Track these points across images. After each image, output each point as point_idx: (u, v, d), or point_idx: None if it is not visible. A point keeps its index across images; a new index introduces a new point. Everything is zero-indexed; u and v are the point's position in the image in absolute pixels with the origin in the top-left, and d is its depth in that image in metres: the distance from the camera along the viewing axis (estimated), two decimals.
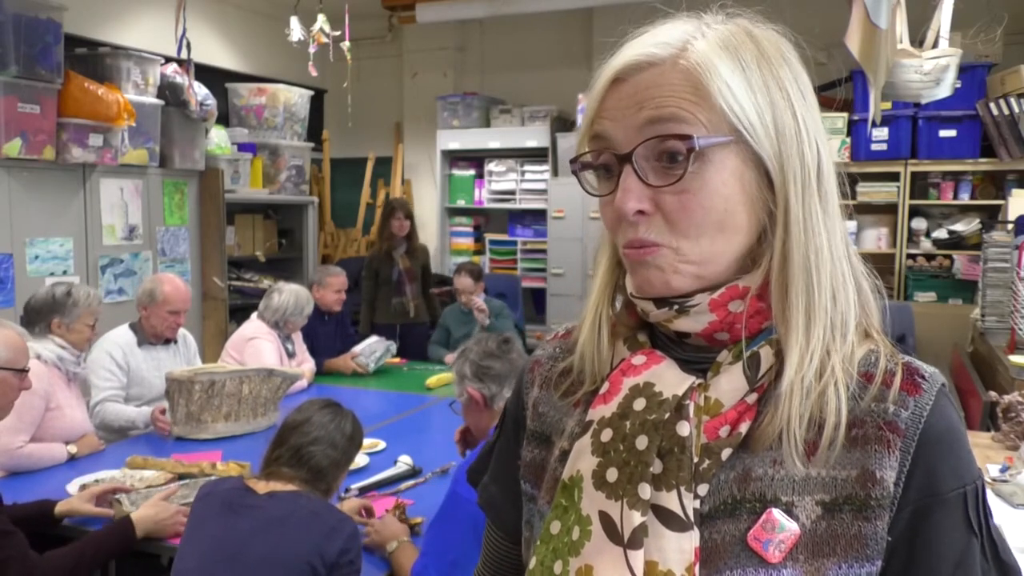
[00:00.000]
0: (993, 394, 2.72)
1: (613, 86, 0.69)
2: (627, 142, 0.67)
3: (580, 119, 5.72)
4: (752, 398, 0.67)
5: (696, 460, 0.67)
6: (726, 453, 0.67)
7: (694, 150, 0.64)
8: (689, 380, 0.69)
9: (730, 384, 0.68)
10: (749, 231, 0.68)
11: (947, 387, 0.69)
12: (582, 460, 0.71)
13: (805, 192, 0.67)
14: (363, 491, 2.49)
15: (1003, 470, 2.24)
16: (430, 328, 4.99)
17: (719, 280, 0.69)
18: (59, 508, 2.23)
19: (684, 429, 0.67)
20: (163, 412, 3.07)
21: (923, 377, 0.68)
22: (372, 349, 4.36)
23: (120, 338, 3.23)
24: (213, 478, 2.37)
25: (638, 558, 0.66)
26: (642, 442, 0.68)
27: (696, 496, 0.67)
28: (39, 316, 2.86)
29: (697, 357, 0.71)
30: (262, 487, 1.90)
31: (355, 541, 1.87)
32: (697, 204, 0.66)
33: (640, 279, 0.70)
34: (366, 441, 2.99)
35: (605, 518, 0.68)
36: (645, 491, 0.66)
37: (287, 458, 1.94)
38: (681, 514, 0.66)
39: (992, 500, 2.08)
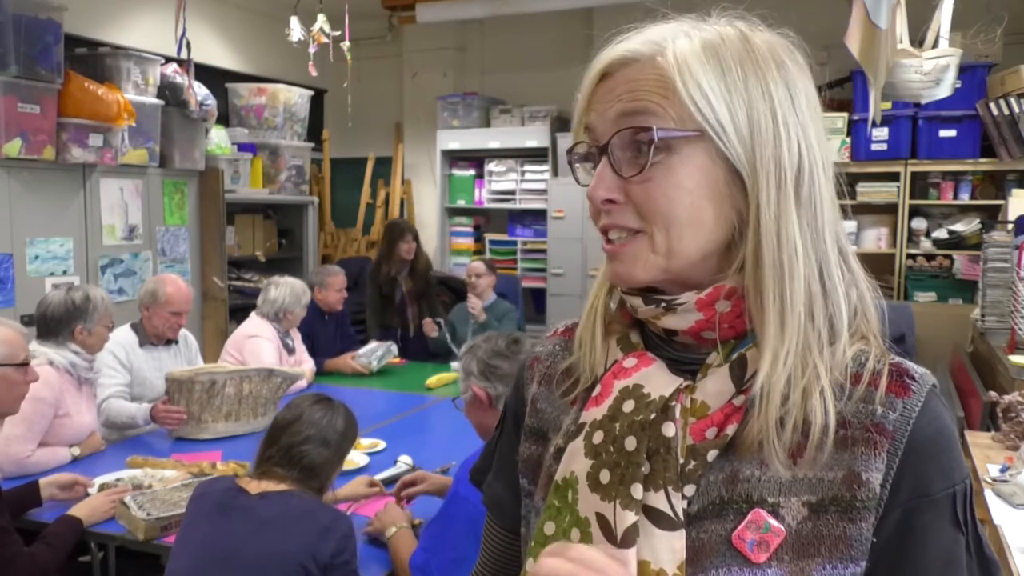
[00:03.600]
0: (993, 394, 2.72)
1: (601, 81, 0.71)
2: (604, 133, 0.70)
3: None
4: (739, 400, 0.68)
5: (682, 461, 0.67)
6: (712, 455, 0.68)
7: (653, 141, 0.66)
8: (677, 382, 0.70)
9: (716, 386, 0.68)
10: (717, 228, 0.69)
11: (938, 388, 0.69)
12: (576, 462, 0.72)
13: (780, 195, 0.67)
14: None
15: (1003, 470, 2.24)
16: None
17: (686, 277, 0.70)
18: (84, 516, 2.25)
19: (669, 430, 0.68)
20: (165, 402, 3.03)
21: (912, 378, 0.68)
22: (373, 350, 4.37)
23: (122, 338, 3.23)
24: (208, 478, 2.36)
25: (630, 556, 0.67)
26: (631, 443, 0.69)
27: (683, 496, 0.67)
28: (60, 324, 2.81)
29: (687, 357, 0.73)
30: (254, 487, 1.88)
31: (349, 541, 1.85)
32: (660, 193, 0.67)
33: (611, 273, 0.73)
34: (366, 441, 3.01)
35: (601, 519, 0.69)
36: (637, 491, 0.67)
37: (279, 458, 1.91)
38: (670, 513, 0.67)
39: (992, 500, 2.09)
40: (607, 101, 0.70)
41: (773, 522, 0.66)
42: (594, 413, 0.73)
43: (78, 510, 2.23)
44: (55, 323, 2.81)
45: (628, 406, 0.70)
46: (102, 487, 2.44)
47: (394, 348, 4.44)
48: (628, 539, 0.67)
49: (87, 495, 2.38)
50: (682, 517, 0.67)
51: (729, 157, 0.67)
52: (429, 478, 2.31)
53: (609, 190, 0.69)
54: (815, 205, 0.69)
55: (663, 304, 0.70)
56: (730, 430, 0.67)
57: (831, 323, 0.68)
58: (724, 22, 0.71)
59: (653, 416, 0.68)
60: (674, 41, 0.69)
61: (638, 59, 0.69)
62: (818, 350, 0.67)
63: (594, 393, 0.74)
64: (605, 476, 0.69)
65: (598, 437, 0.71)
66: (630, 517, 0.67)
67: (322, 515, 1.85)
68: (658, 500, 0.67)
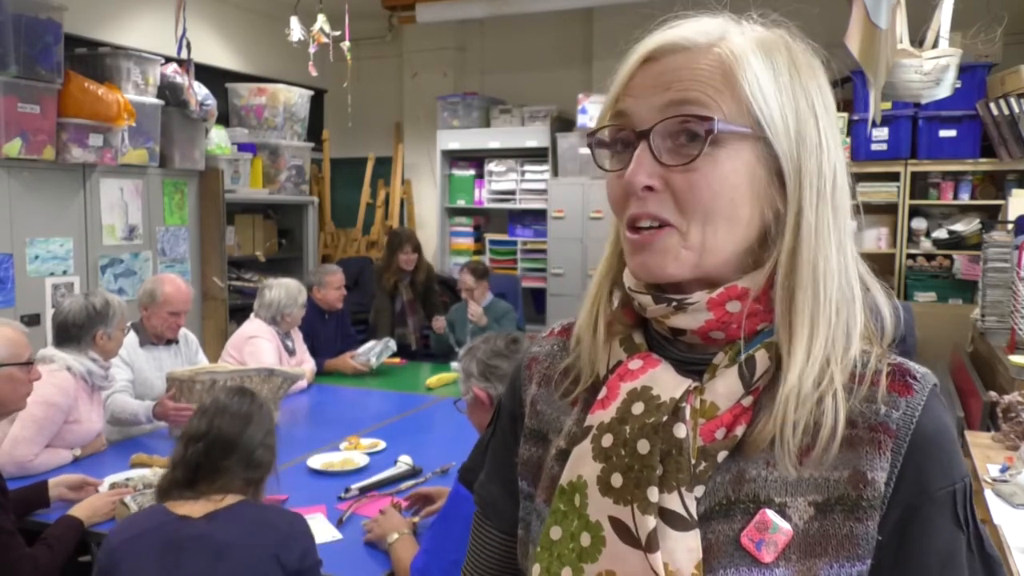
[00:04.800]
0: (993, 394, 2.72)
1: (643, 65, 0.70)
2: (648, 119, 0.68)
3: (580, 119, 5.74)
4: (748, 401, 0.68)
5: (693, 462, 0.67)
6: (722, 455, 0.68)
7: (712, 132, 0.65)
8: (686, 383, 0.70)
9: (726, 387, 0.68)
10: (750, 227, 0.69)
11: (939, 388, 0.70)
12: (583, 465, 0.71)
13: (820, 200, 0.68)
14: (363, 491, 2.49)
15: (1003, 470, 2.24)
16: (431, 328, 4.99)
17: (715, 274, 0.69)
18: (85, 518, 2.24)
19: (681, 431, 0.67)
20: (171, 397, 3.01)
21: (914, 378, 0.69)
22: (371, 348, 4.37)
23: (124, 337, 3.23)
24: (129, 514, 2.10)
25: (658, 560, 0.66)
26: (643, 446, 0.68)
27: (694, 497, 0.67)
28: (83, 330, 2.81)
29: (692, 357, 0.72)
30: (197, 510, 1.72)
31: (310, 538, 1.80)
32: (706, 185, 0.66)
33: (637, 263, 0.70)
34: (366, 441, 3.01)
35: (617, 523, 0.68)
36: (654, 494, 0.67)
37: (241, 468, 1.79)
38: (684, 513, 0.67)
39: (992, 500, 2.09)
40: (652, 86, 0.68)
41: (780, 522, 0.66)
42: (601, 416, 0.72)
43: (78, 510, 2.23)
44: (77, 329, 2.81)
45: (637, 408, 0.70)
46: (112, 486, 2.44)
47: (392, 344, 4.43)
48: (652, 543, 0.66)
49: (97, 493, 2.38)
50: (696, 517, 0.67)
51: (779, 158, 0.67)
52: (444, 494, 2.30)
53: (650, 176, 0.68)
54: (841, 215, 0.70)
55: (674, 303, 0.70)
56: (739, 431, 0.68)
57: (847, 328, 0.69)
58: (761, 25, 0.71)
59: (664, 418, 0.68)
60: (730, 34, 0.69)
61: (690, 48, 0.68)
62: (835, 354, 0.68)
63: (600, 396, 0.73)
64: (617, 480, 0.69)
65: (607, 440, 0.70)
66: (651, 521, 0.66)
67: (278, 521, 1.78)
68: (672, 501, 0.67)
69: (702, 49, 0.68)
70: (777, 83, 0.68)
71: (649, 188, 0.68)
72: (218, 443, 1.79)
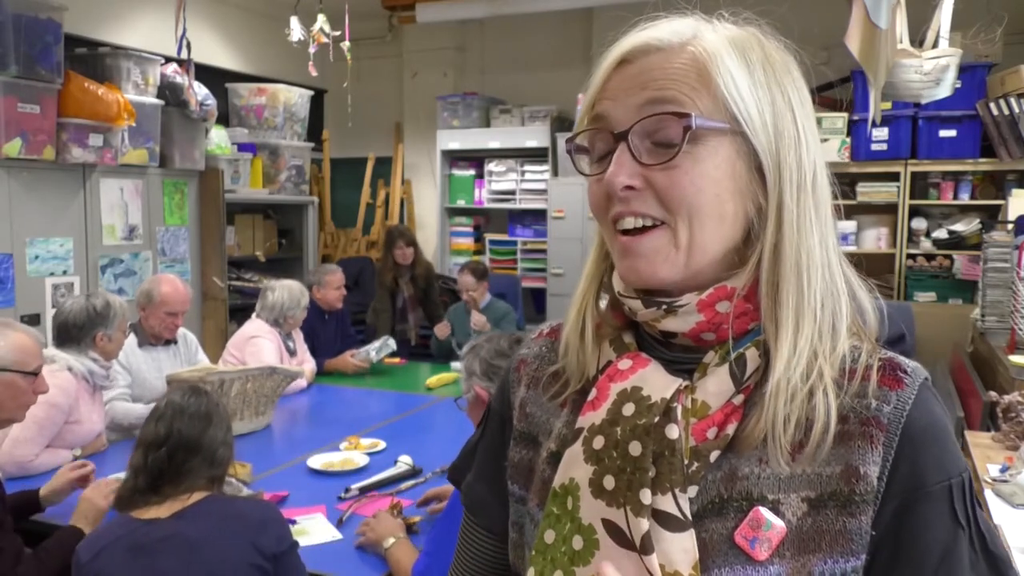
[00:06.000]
0: (993, 394, 2.72)
1: (618, 68, 0.70)
2: (625, 120, 0.68)
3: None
4: (739, 399, 0.68)
5: (686, 463, 0.67)
6: (714, 455, 0.67)
7: (690, 129, 0.65)
8: (676, 383, 0.69)
9: (716, 386, 0.68)
10: (735, 223, 0.69)
11: (930, 381, 0.70)
12: (575, 468, 0.71)
13: (800, 194, 0.68)
14: (363, 491, 2.49)
15: (1003, 470, 2.24)
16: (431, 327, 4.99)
17: (705, 275, 0.69)
18: (43, 492, 2.23)
19: (673, 432, 0.67)
20: None
21: (905, 372, 0.69)
22: (370, 346, 4.37)
23: None
24: (90, 535, 1.94)
25: (653, 563, 0.66)
26: (635, 448, 0.68)
27: (687, 498, 0.67)
28: (82, 331, 2.81)
29: (683, 358, 0.72)
30: (164, 511, 1.71)
31: (283, 522, 1.79)
32: (688, 181, 0.67)
33: (626, 267, 0.70)
34: (366, 441, 3.01)
35: (610, 526, 0.68)
36: (646, 496, 0.67)
37: (206, 468, 1.77)
38: (678, 514, 0.66)
39: (992, 500, 2.09)
40: (628, 88, 0.69)
41: (774, 519, 0.66)
42: (591, 418, 0.72)
43: (79, 519, 2.15)
44: (77, 330, 2.81)
45: (628, 409, 0.70)
46: None
47: (391, 342, 4.42)
48: (647, 546, 0.66)
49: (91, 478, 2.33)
50: (690, 517, 0.66)
51: (758, 152, 0.68)
52: (449, 494, 2.30)
53: (630, 176, 0.68)
54: (822, 208, 0.70)
55: (664, 306, 0.70)
56: (730, 429, 0.67)
57: (834, 322, 0.69)
58: (734, 24, 0.72)
59: (656, 419, 0.68)
60: (703, 33, 0.69)
61: (664, 48, 0.68)
62: (822, 348, 0.68)
63: (589, 397, 0.73)
64: (609, 482, 0.68)
65: (599, 442, 0.70)
66: (644, 524, 0.66)
67: (249, 510, 1.76)
68: (666, 503, 0.67)
69: (675, 49, 0.68)
70: (752, 79, 0.68)
71: (630, 188, 0.68)
72: (181, 447, 1.77)
